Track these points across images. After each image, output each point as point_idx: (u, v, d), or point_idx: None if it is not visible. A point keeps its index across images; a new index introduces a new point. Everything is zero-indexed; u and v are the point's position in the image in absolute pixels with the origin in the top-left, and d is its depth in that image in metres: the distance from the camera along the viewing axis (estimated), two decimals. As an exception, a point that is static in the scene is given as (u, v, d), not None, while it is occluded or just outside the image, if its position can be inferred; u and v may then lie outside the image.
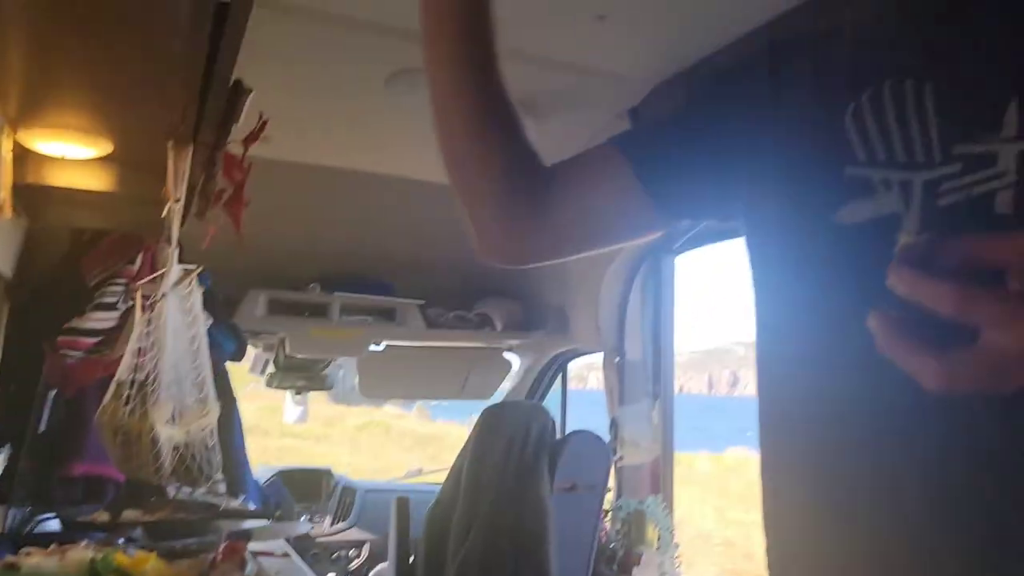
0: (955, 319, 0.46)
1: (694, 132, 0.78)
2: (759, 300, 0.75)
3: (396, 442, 15.56)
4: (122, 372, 1.19)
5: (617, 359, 2.53)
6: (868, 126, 0.63)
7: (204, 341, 1.28)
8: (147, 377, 1.19)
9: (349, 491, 3.07)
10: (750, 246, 0.76)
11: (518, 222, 0.83)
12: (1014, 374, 0.47)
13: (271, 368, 2.84)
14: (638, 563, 2.24)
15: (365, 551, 2.98)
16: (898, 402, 0.58)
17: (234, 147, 1.29)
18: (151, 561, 0.93)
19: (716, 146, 0.76)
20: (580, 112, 2.14)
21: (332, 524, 3.00)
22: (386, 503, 2.54)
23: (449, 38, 0.80)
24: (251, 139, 1.22)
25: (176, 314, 1.21)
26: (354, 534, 2.98)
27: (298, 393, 2.99)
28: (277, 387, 2.90)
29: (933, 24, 0.65)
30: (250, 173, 1.36)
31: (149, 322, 1.21)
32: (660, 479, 2.45)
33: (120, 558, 0.93)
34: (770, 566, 0.76)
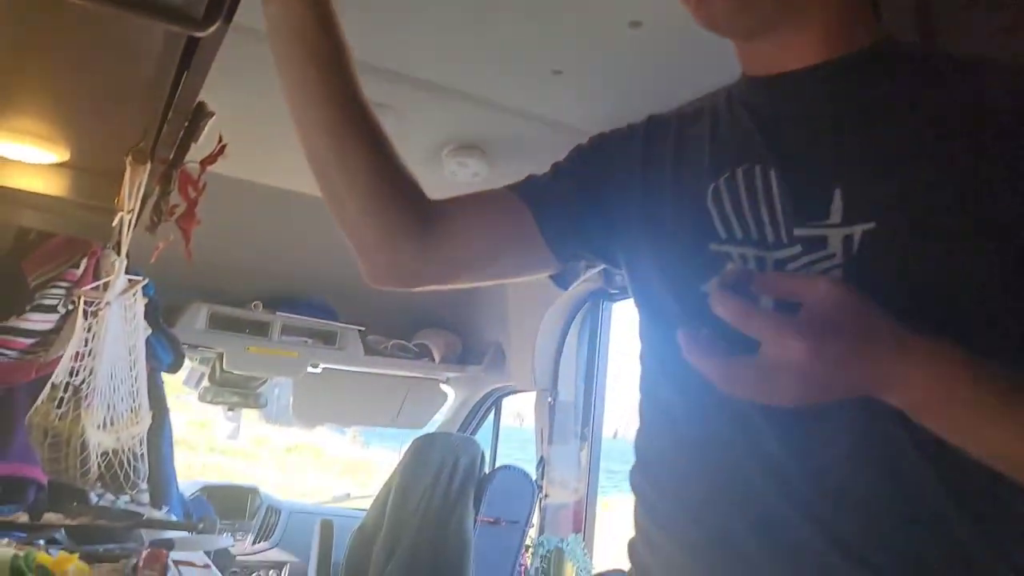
0: (740, 330, 0.59)
1: (579, 184, 0.86)
2: (644, 342, 0.83)
3: (327, 467, 15.28)
4: (58, 375, 1.21)
5: (549, 399, 2.60)
6: (726, 207, 0.73)
7: (142, 351, 1.30)
8: (82, 382, 1.21)
9: (274, 511, 3.05)
10: (633, 295, 0.85)
11: (403, 251, 0.85)
12: (784, 387, 0.59)
13: (205, 382, 2.83)
14: (554, 599, 2.29)
15: (285, 573, 2.95)
16: (731, 431, 0.69)
17: (191, 165, 1.33)
18: (73, 562, 0.95)
19: (598, 197, 0.85)
20: (530, 158, 2.21)
21: (254, 543, 2.97)
22: (310, 525, 2.54)
23: (297, 51, 0.82)
24: (209, 161, 1.26)
25: (117, 323, 1.24)
26: (275, 555, 2.96)
27: (230, 410, 2.97)
28: (211, 402, 2.88)
29: (775, 120, 0.75)
30: (204, 190, 1.40)
31: (90, 328, 1.23)
32: (583, 519, 2.51)
33: (43, 557, 0.94)
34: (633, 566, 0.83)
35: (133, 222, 1.25)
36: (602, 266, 0.91)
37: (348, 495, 3.75)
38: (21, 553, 0.92)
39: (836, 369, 0.57)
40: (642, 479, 0.81)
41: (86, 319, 1.24)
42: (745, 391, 0.60)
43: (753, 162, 0.73)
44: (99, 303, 1.22)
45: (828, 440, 0.65)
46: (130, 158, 1.13)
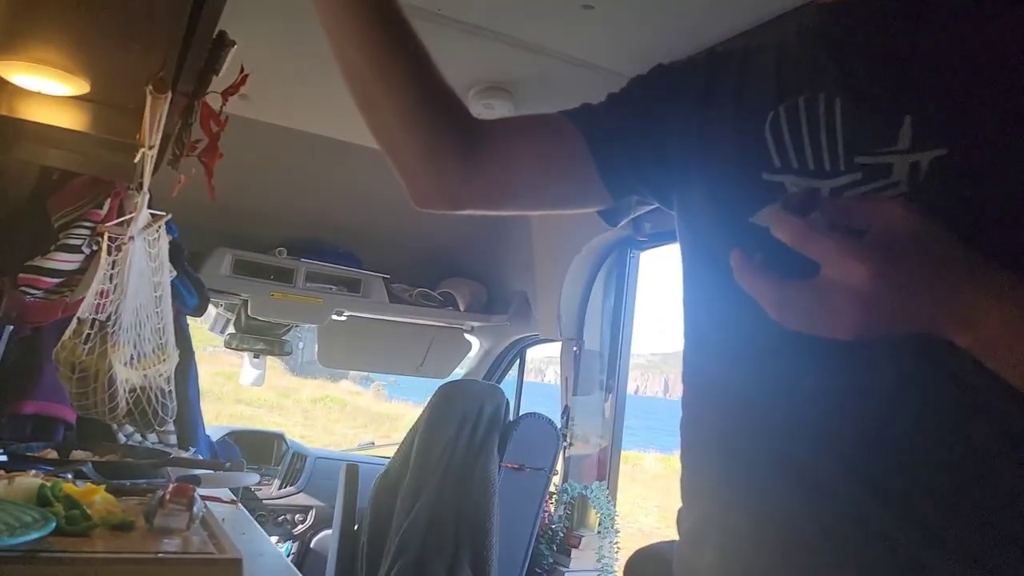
0: (800, 251, 0.54)
1: (638, 114, 0.82)
2: (687, 288, 0.80)
3: (350, 418, 15.52)
4: (83, 311, 1.20)
5: (575, 348, 2.58)
6: (784, 135, 0.69)
7: (167, 288, 1.29)
8: (108, 318, 1.20)
9: (300, 456, 3.09)
10: (680, 239, 0.81)
11: (448, 169, 0.83)
12: (842, 315, 0.54)
13: (231, 329, 2.84)
14: (578, 545, 2.30)
15: (311, 517, 3.00)
16: (796, 379, 0.65)
17: (212, 99, 1.30)
18: (99, 493, 0.95)
19: (654, 130, 0.81)
20: (559, 100, 2.16)
21: (280, 488, 3.01)
22: (335, 471, 2.57)
23: None
24: (230, 91, 1.22)
25: (141, 258, 1.22)
26: (301, 499, 2.99)
27: (256, 356, 2.98)
28: (236, 348, 2.90)
29: (846, 47, 0.70)
30: (227, 128, 1.37)
31: (114, 264, 1.22)
32: (606, 468, 2.51)
33: (69, 487, 0.94)
34: (683, 531, 0.80)
35: (155, 157, 1.22)
36: (653, 205, 0.87)
37: (373, 443, 3.78)
38: (48, 483, 0.92)
39: (902, 297, 0.53)
40: (688, 431, 0.79)
41: (110, 255, 1.23)
42: (798, 318, 0.56)
43: (817, 91, 0.69)
44: (122, 238, 1.20)
45: (871, 380, 0.61)
46: (150, 87, 1.10)
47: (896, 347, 0.59)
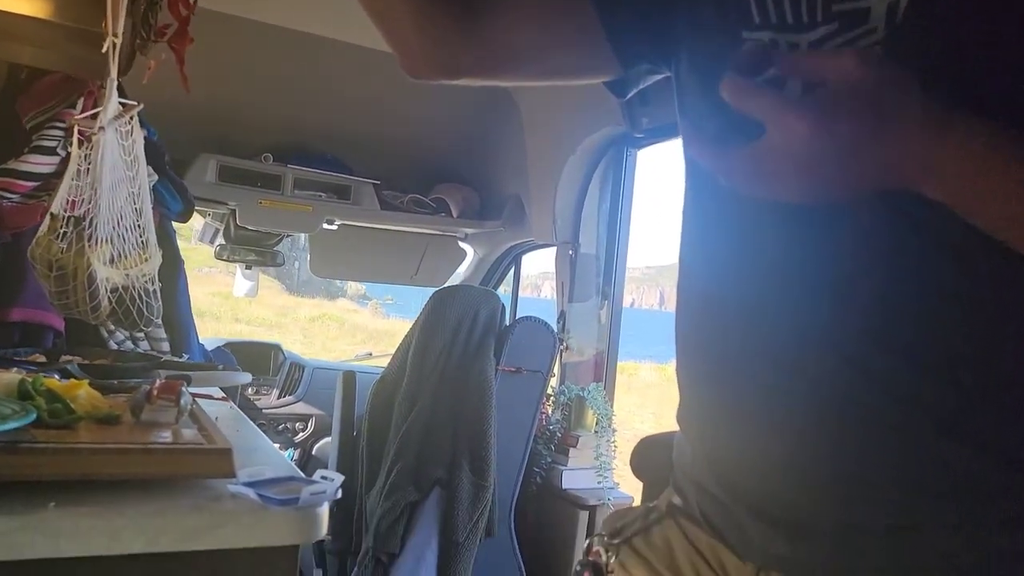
0: (742, 111, 0.51)
1: None
2: (685, 160, 0.76)
3: (349, 335, 15.65)
4: (56, 206, 1.15)
5: (571, 252, 2.54)
6: None
7: (145, 184, 1.24)
8: (84, 214, 1.15)
9: (297, 367, 3.09)
10: (676, 106, 0.76)
11: (444, 31, 0.79)
12: (787, 176, 0.51)
13: (220, 239, 2.79)
14: (575, 445, 2.32)
15: (311, 425, 3.02)
16: (768, 254, 0.62)
17: (181, -19, 1.22)
18: (83, 387, 0.92)
19: None
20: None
21: (279, 397, 3.02)
22: (334, 381, 2.57)
23: None
24: (199, -33, 1.14)
25: (114, 151, 1.16)
26: (301, 408, 3.01)
27: (248, 268, 2.95)
28: (227, 260, 2.85)
29: None
30: (204, 25, 1.29)
31: (86, 158, 1.16)
32: (603, 370, 2.51)
33: (51, 382, 0.91)
34: (678, 419, 0.79)
35: (120, 43, 1.15)
36: (664, 74, 0.81)
37: (370, 354, 3.79)
38: (29, 379, 0.89)
39: (850, 154, 0.49)
40: (678, 320, 0.76)
41: (81, 148, 1.17)
42: (746, 183, 0.53)
43: None
44: (92, 130, 1.14)
45: (833, 242, 0.58)
46: (110, -39, 1.02)
47: (856, 205, 0.55)
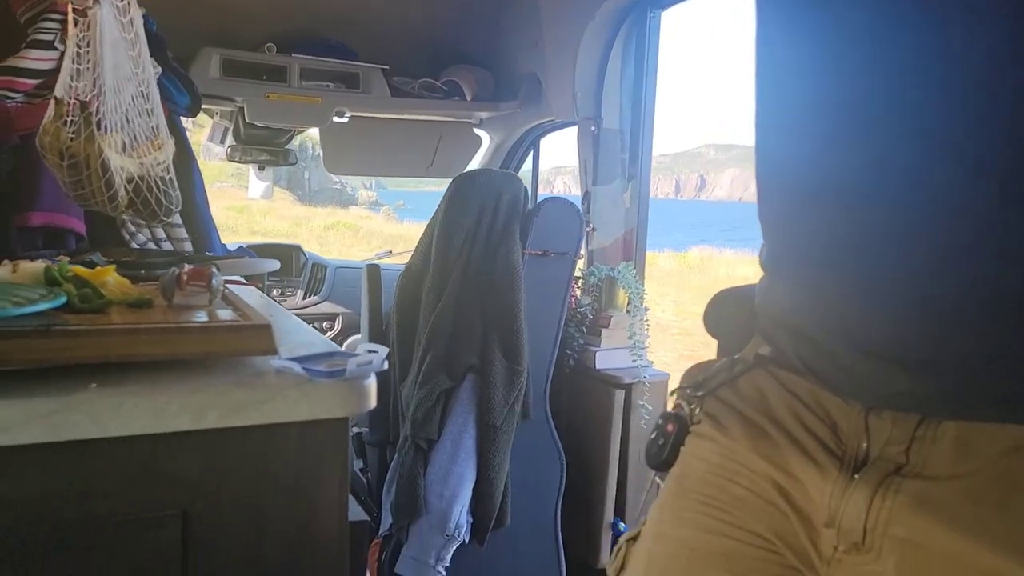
0: None
1: None
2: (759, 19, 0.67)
3: (364, 241, 15.67)
4: (59, 90, 1.09)
5: (593, 128, 2.44)
6: None
7: (148, 63, 1.16)
8: (89, 100, 1.09)
9: (320, 267, 3.06)
10: None
11: None
12: None
13: (231, 140, 2.71)
14: (607, 325, 2.30)
15: (338, 323, 3.02)
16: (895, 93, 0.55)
17: None
18: (111, 273, 0.89)
19: None
20: None
21: (304, 298, 3.01)
22: (357, 279, 2.54)
23: None
24: None
25: (112, 27, 1.09)
26: (326, 307, 3.01)
27: (261, 169, 2.88)
28: (239, 161, 2.79)
29: None
30: None
31: (84, 38, 1.08)
32: (632, 250, 2.46)
33: (78, 268, 0.88)
34: (765, 265, 0.74)
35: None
36: None
37: (390, 252, 3.76)
38: (55, 267, 0.85)
39: None
40: (762, 168, 0.69)
41: (76, 27, 1.09)
42: None
43: None
44: (87, 5, 1.06)
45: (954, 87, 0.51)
46: None
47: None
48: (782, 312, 0.71)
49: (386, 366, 0.84)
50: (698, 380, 0.77)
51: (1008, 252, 0.52)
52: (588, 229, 2.47)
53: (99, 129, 1.09)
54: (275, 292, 2.99)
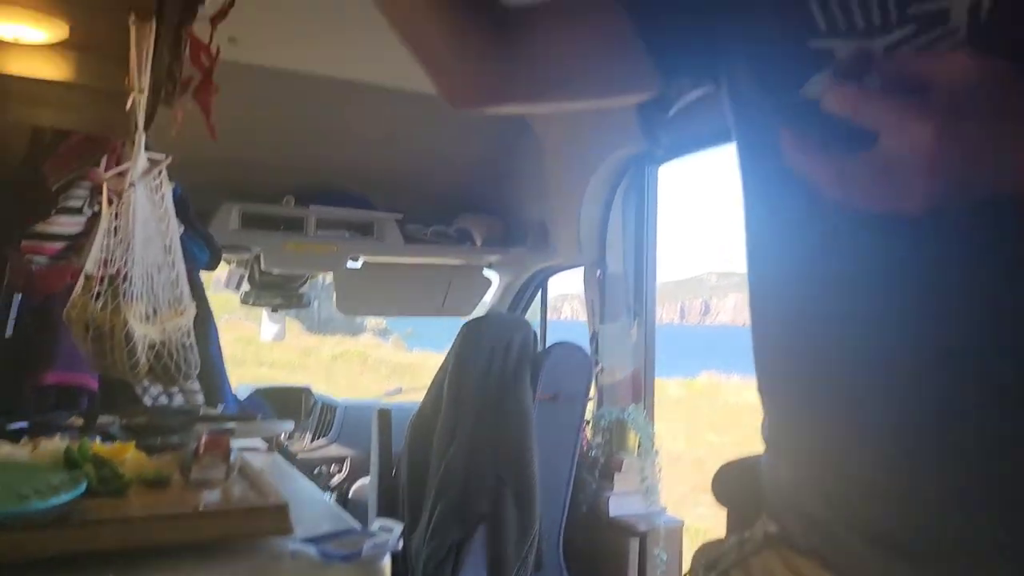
0: (856, 120, 0.48)
1: None
2: (744, 186, 0.73)
3: (373, 370, 15.64)
4: (89, 266, 1.14)
5: (599, 273, 2.51)
6: None
7: (176, 236, 1.22)
8: (117, 272, 1.13)
9: (329, 408, 3.06)
10: (732, 129, 0.73)
11: (485, 59, 0.77)
12: (908, 184, 0.47)
13: (246, 285, 2.79)
14: (620, 469, 2.27)
15: (346, 466, 2.99)
16: (869, 263, 0.59)
17: (202, 32, 1.21)
18: (130, 450, 0.90)
19: (699, 1, 0.73)
20: None
21: (312, 441, 3.00)
22: (366, 419, 2.54)
23: None
24: (219, 16, 1.14)
25: (145, 206, 1.15)
26: (334, 450, 2.98)
27: (275, 311, 2.94)
28: (253, 304, 2.85)
29: None
30: (219, 76, 1.29)
31: (117, 216, 1.15)
32: (641, 390, 2.46)
33: (98, 447, 0.89)
34: (766, 440, 0.75)
35: (147, 97, 1.14)
36: (706, 83, 0.79)
37: (400, 389, 3.76)
38: (75, 446, 0.87)
39: (974, 155, 0.45)
40: (758, 339, 0.72)
41: (111, 206, 1.16)
42: (862, 194, 0.49)
43: None
44: (123, 187, 1.13)
45: (934, 244, 0.54)
46: (133, 16, 1.02)
47: (971, 214, 0.51)
48: (786, 490, 0.71)
49: (400, 545, 0.84)
50: (710, 559, 0.77)
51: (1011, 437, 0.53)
52: (597, 369, 2.49)
53: (125, 299, 1.13)
54: (283, 436, 2.97)
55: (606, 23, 0.75)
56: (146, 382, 1.60)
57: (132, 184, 1.11)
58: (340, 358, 17.04)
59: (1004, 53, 0.49)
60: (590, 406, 2.38)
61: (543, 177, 2.62)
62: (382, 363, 16.41)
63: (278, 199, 2.55)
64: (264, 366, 14.42)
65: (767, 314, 0.71)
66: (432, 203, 2.83)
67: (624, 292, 2.50)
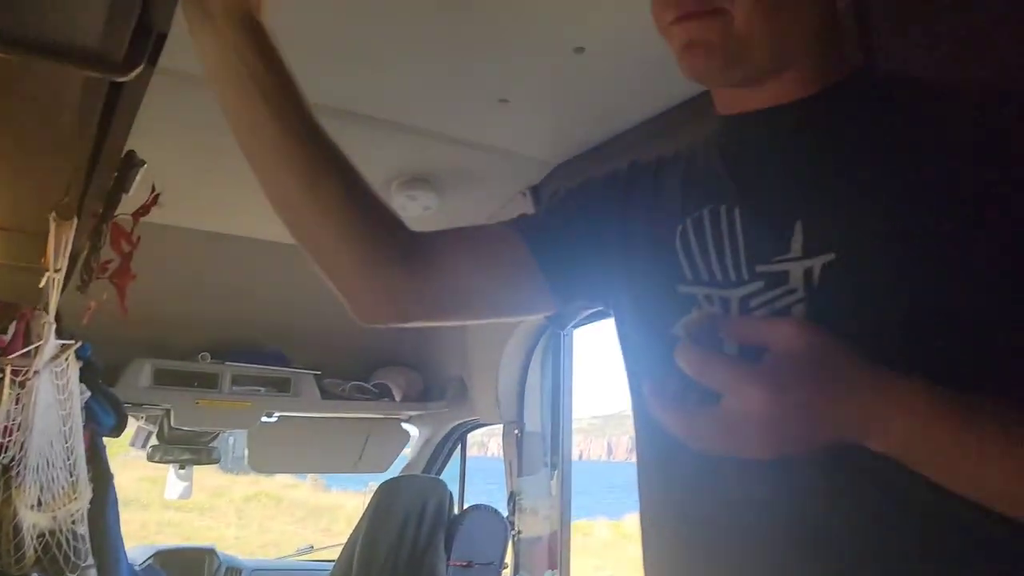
0: (701, 380, 0.55)
1: (574, 224, 0.83)
2: (630, 389, 0.80)
3: (287, 513, 14.87)
4: (-16, 454, 1.11)
5: (516, 431, 2.53)
6: (692, 248, 0.71)
7: (78, 421, 1.21)
8: (12, 459, 1.11)
9: (234, 571, 2.91)
10: (618, 342, 0.82)
11: (390, 282, 0.81)
12: (749, 439, 0.55)
13: (154, 441, 2.69)
14: (534, 642, 2.20)
15: (249, 636, 2.81)
16: (726, 493, 0.66)
17: (123, 217, 1.25)
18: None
19: (590, 239, 0.82)
20: (481, 188, 2.19)
21: (215, 608, 2.82)
22: (273, 582, 2.42)
23: (246, 99, 0.75)
24: (141, 213, 1.18)
25: (49, 392, 1.14)
26: (237, 619, 2.81)
27: (182, 467, 2.83)
28: (160, 461, 2.74)
29: (742, 159, 0.73)
30: (138, 248, 1.32)
31: (18, 400, 1.13)
32: (557, 555, 2.44)
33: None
34: None
35: (62, 282, 1.16)
36: (598, 307, 0.87)
37: (311, 548, 3.61)
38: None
39: (802, 416, 0.54)
40: (642, 520, 0.78)
41: (13, 389, 1.14)
42: (713, 445, 0.57)
43: (719, 202, 0.71)
44: (27, 371, 1.12)
45: (800, 489, 0.62)
46: (54, 215, 1.05)
47: (816, 457, 0.59)
48: None
49: None
50: None
51: None
52: (514, 532, 2.46)
53: (16, 488, 1.10)
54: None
55: (509, 252, 0.83)
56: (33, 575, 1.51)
57: (37, 372, 1.11)
58: (254, 499, 16.18)
59: (833, 316, 0.58)
60: (505, 573, 2.33)
61: (463, 334, 2.68)
62: (297, 506, 15.64)
63: (193, 355, 2.52)
64: (170, 509, 13.55)
65: (650, 539, 0.77)
66: (351, 358, 2.84)
67: (542, 452, 2.53)
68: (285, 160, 0.75)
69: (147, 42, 0.71)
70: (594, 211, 0.82)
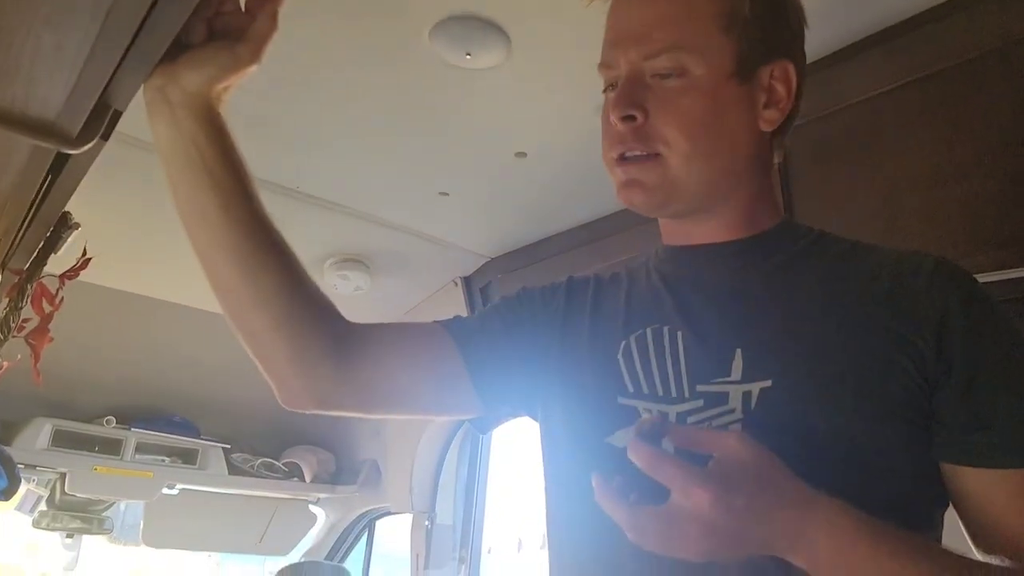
0: (652, 476, 0.59)
1: (507, 332, 0.87)
2: (548, 496, 0.83)
3: (176, 592, 13.90)
4: None
5: (427, 522, 2.49)
6: (635, 363, 0.76)
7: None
8: None
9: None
10: (541, 449, 0.85)
11: (321, 372, 0.82)
12: (690, 538, 0.58)
13: (43, 506, 2.53)
14: None
15: None
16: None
17: (49, 278, 1.23)
18: None
19: (522, 349, 0.86)
20: (414, 273, 2.22)
21: None
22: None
23: (193, 183, 0.75)
24: (70, 275, 1.16)
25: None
26: None
27: (69, 537, 2.66)
28: (47, 528, 2.57)
29: (687, 286, 0.80)
30: (61, 305, 1.29)
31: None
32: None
33: None
34: None
35: (-27, 338, 1.12)
36: (522, 415, 0.90)
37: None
38: None
39: (740, 522, 0.58)
40: None
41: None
42: (653, 541, 0.60)
43: (662, 323, 0.77)
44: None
45: None
46: (-23, 269, 1.03)
47: (742, 566, 0.62)
48: None
49: None
50: None
51: None
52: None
53: None
54: None
55: (437, 349, 0.85)
56: None
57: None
58: (142, 573, 15.09)
59: (768, 435, 0.63)
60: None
61: (382, 419, 2.65)
62: (189, 584, 14.66)
63: (98, 418, 2.41)
64: (45, 580, 12.51)
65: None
66: (263, 433, 2.76)
67: (452, 547, 2.48)
68: (227, 248, 0.76)
69: (103, 118, 0.73)
70: (531, 321, 0.86)
